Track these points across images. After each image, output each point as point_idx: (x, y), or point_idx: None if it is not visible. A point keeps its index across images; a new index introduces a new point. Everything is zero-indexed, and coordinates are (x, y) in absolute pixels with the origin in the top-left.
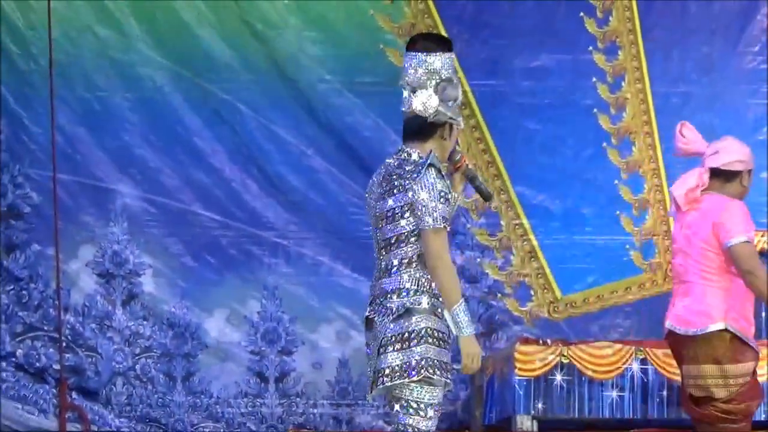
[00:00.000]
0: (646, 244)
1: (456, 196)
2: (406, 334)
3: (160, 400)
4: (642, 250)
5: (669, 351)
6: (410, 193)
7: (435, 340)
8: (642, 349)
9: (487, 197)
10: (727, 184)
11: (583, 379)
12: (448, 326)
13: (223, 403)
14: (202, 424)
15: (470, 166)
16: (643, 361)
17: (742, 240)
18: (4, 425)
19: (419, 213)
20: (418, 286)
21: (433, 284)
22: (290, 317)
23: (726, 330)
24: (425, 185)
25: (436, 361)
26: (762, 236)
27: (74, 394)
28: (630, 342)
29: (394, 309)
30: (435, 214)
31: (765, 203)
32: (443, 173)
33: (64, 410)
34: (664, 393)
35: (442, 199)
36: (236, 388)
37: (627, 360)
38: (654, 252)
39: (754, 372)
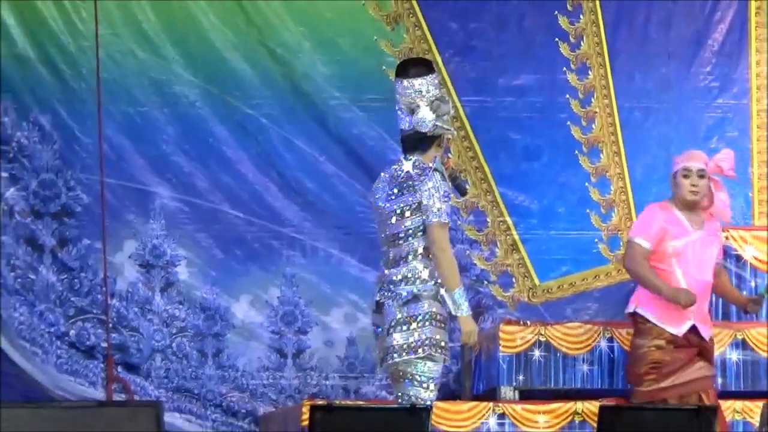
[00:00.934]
0: (612, 238)
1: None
2: (413, 317)
3: (193, 373)
4: (609, 243)
5: (632, 330)
6: (418, 194)
7: (437, 322)
8: (609, 328)
9: (462, 192)
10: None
11: (558, 354)
12: (447, 310)
13: (247, 376)
14: (230, 394)
15: (453, 167)
16: (610, 339)
17: (630, 239)
18: (59, 395)
19: (427, 210)
20: (424, 275)
21: (436, 273)
22: (305, 301)
23: (635, 313)
24: (433, 187)
25: (437, 341)
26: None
27: (119, 369)
28: (598, 322)
29: (404, 295)
30: (441, 211)
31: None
32: (445, 177)
33: (110, 382)
34: None
35: (445, 199)
36: (259, 363)
37: (596, 338)
38: (619, 245)
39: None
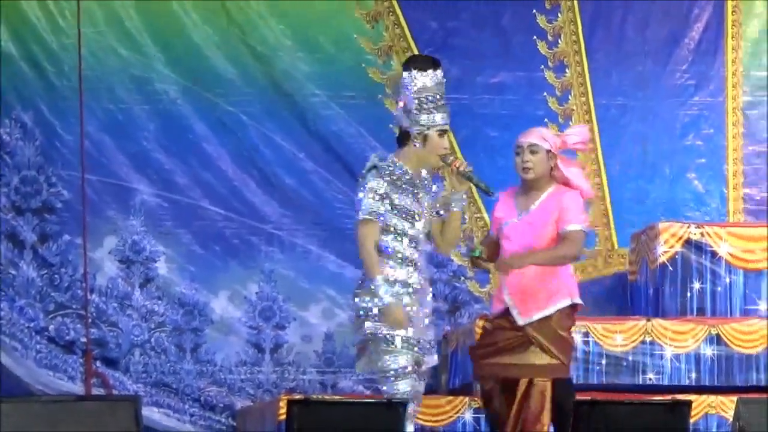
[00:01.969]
0: (588, 234)
1: (446, 195)
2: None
3: (171, 368)
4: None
5: (607, 325)
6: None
7: (372, 316)
8: (584, 324)
9: (486, 191)
10: None
11: None
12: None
13: (225, 371)
14: (208, 389)
15: (464, 168)
16: (585, 334)
17: None
18: (38, 389)
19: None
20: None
21: (384, 269)
22: (284, 297)
23: None
24: (361, 184)
25: (385, 335)
26: (695, 227)
27: (98, 363)
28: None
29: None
30: (363, 208)
31: (692, 199)
32: (384, 173)
33: (89, 377)
34: (603, 361)
35: (372, 195)
36: (237, 358)
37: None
38: (595, 241)
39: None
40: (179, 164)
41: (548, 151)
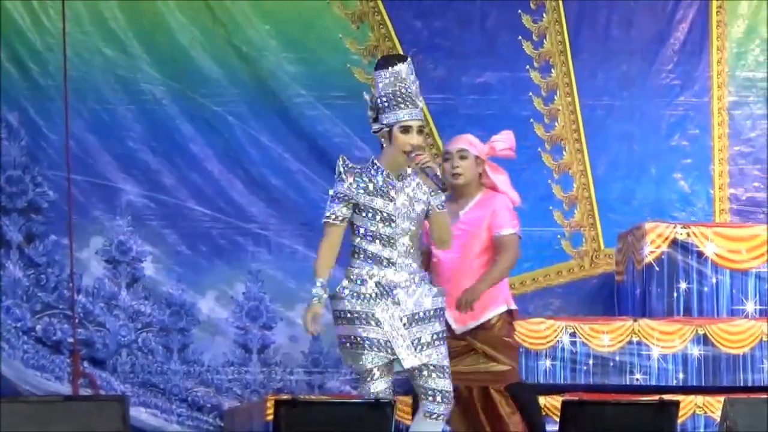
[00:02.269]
0: (574, 234)
1: (409, 192)
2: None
3: (158, 368)
4: (571, 239)
5: (594, 326)
6: None
7: (339, 319)
8: (571, 324)
9: (439, 187)
10: None
11: (521, 350)
12: (363, 304)
13: (212, 371)
14: (195, 389)
15: (425, 163)
16: (572, 335)
17: None
18: (25, 390)
19: None
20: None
21: (353, 270)
22: (270, 297)
23: None
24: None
25: (344, 336)
26: (681, 227)
27: (85, 364)
28: (561, 318)
29: None
30: (325, 212)
31: (678, 200)
32: (349, 177)
33: (76, 377)
34: (590, 362)
35: (333, 199)
36: (224, 358)
37: (558, 334)
38: (581, 241)
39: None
40: (165, 164)
41: (477, 157)
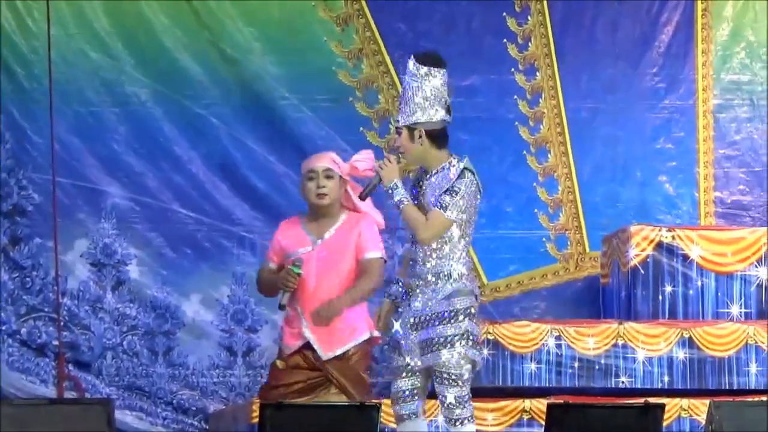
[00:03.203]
0: (559, 237)
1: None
2: None
3: (144, 371)
4: (556, 242)
5: (580, 329)
6: None
7: None
8: (556, 327)
9: (360, 195)
10: None
11: (507, 353)
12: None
13: (198, 374)
14: (180, 392)
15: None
16: (558, 338)
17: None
18: (10, 393)
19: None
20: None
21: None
22: (255, 300)
23: None
24: None
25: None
26: (667, 230)
27: (70, 367)
28: (546, 321)
29: None
30: None
31: (663, 203)
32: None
33: (62, 380)
34: (575, 365)
35: None
36: (209, 361)
37: (544, 337)
38: (567, 244)
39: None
40: (150, 167)
41: (340, 177)
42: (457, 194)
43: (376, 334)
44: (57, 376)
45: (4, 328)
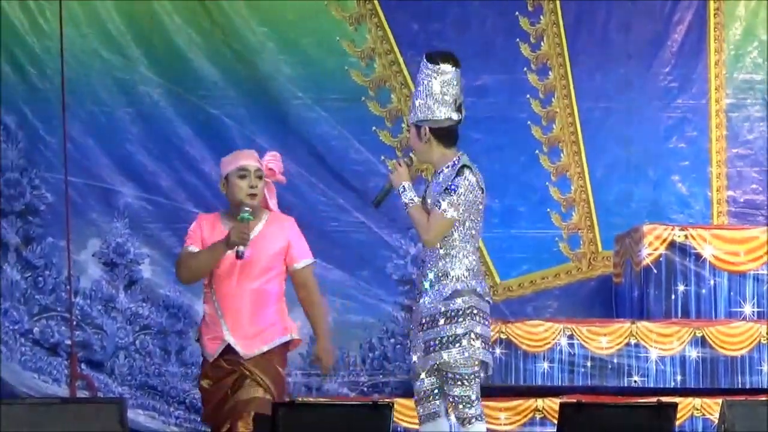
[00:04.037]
0: (572, 237)
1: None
2: None
3: (156, 370)
4: (569, 242)
5: (592, 328)
6: None
7: None
8: (569, 326)
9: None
10: None
11: (519, 352)
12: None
13: None
14: (193, 391)
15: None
16: (570, 337)
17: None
18: (23, 392)
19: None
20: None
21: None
22: None
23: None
24: None
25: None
26: (679, 229)
27: (83, 366)
28: (559, 320)
29: None
30: None
31: (675, 202)
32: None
33: (74, 379)
34: (588, 364)
35: None
36: None
37: (556, 336)
38: (579, 243)
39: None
40: (163, 167)
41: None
42: (454, 192)
43: (296, 336)
44: (69, 375)
45: (16, 327)
